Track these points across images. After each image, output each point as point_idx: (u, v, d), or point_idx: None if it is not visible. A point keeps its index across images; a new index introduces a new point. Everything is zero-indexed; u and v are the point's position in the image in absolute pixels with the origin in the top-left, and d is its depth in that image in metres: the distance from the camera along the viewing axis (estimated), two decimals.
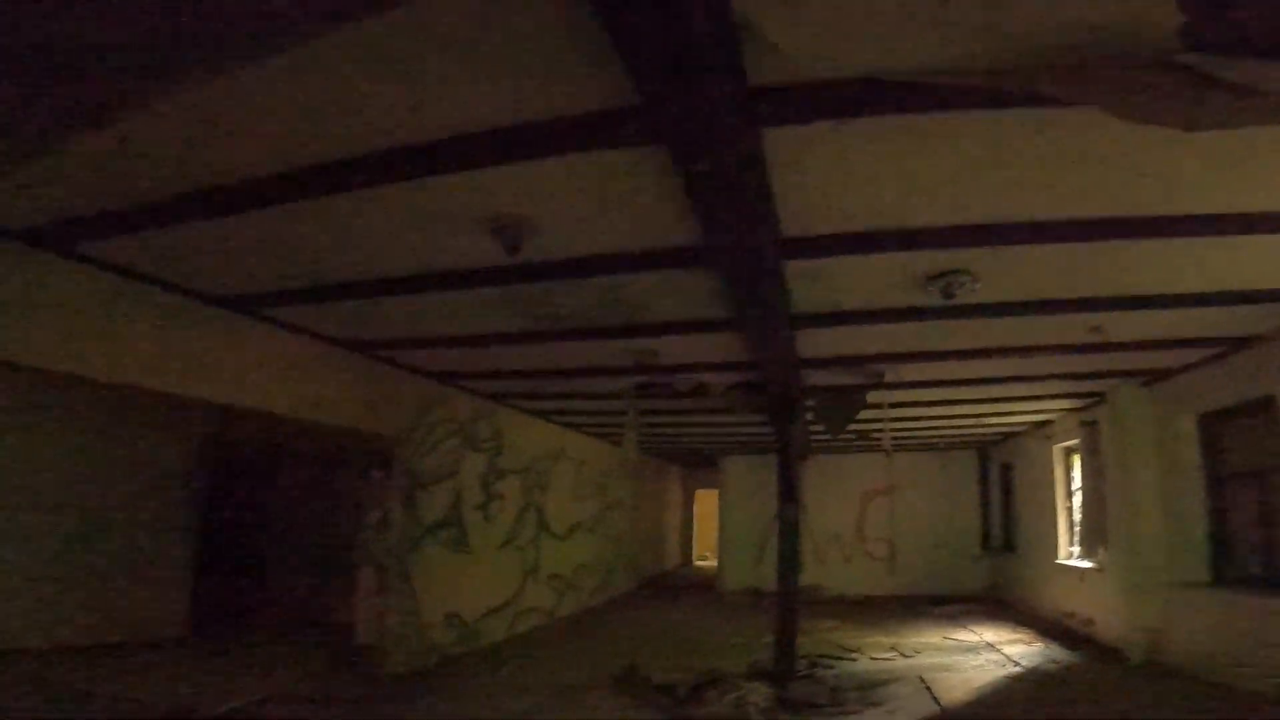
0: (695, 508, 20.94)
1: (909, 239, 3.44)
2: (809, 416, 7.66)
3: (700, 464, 16.81)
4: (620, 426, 9.25)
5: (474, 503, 7.93)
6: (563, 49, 2.09)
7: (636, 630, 9.36)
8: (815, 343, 5.35)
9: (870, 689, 5.98)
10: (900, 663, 7.11)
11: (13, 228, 3.36)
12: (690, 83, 2.10)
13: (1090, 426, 7.97)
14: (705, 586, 14.25)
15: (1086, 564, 8.23)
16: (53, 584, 6.88)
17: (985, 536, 12.55)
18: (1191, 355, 5.90)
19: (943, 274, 3.91)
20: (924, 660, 7.19)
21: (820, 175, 2.87)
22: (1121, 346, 5.45)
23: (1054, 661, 7.00)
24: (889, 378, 6.39)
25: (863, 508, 13.11)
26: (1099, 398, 7.57)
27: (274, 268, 3.99)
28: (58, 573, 6.93)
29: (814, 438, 10.18)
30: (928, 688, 6.01)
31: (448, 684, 6.21)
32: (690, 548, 20.67)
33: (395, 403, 6.52)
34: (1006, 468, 11.67)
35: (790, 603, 6.48)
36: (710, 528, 19.13)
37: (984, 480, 12.72)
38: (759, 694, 5.75)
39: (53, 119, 1.42)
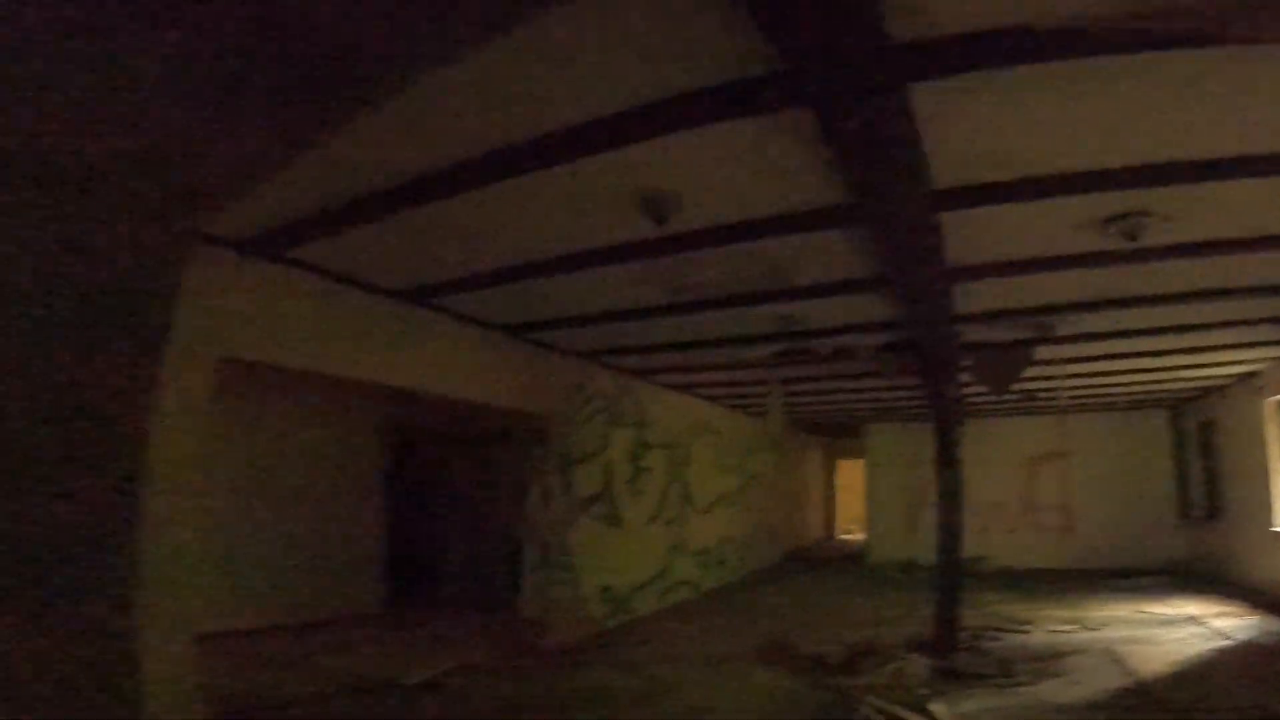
0: (837, 479, 20.40)
1: (1078, 182, 3.17)
2: (965, 377, 7.21)
3: (842, 434, 16.31)
4: (761, 398, 9.20)
5: (624, 478, 8.22)
6: (704, 19, 2.12)
7: (782, 603, 9.34)
8: (974, 296, 5.03)
9: (1047, 660, 5.62)
10: (1083, 635, 6.61)
11: (229, 238, 3.90)
12: (833, 43, 2.09)
13: None
14: (850, 559, 13.91)
15: None
16: (276, 567, 7.49)
17: (1183, 503, 11.25)
18: None
19: (1124, 215, 3.55)
20: (1111, 633, 6.63)
21: (973, 125, 2.74)
22: None
23: (1273, 634, 6.21)
24: (1061, 331, 5.88)
25: (1030, 474, 12.18)
26: None
27: (443, 258, 4.35)
28: (281, 557, 7.56)
29: (970, 400, 9.57)
30: (1117, 660, 5.55)
31: (605, 655, 6.42)
32: (833, 520, 20.21)
33: (548, 382, 6.89)
34: (1206, 426, 10.35)
35: (951, 572, 6.20)
36: (852, 500, 18.58)
37: (1179, 441, 11.37)
38: (918, 665, 5.57)
39: (301, 128, 1.59)
